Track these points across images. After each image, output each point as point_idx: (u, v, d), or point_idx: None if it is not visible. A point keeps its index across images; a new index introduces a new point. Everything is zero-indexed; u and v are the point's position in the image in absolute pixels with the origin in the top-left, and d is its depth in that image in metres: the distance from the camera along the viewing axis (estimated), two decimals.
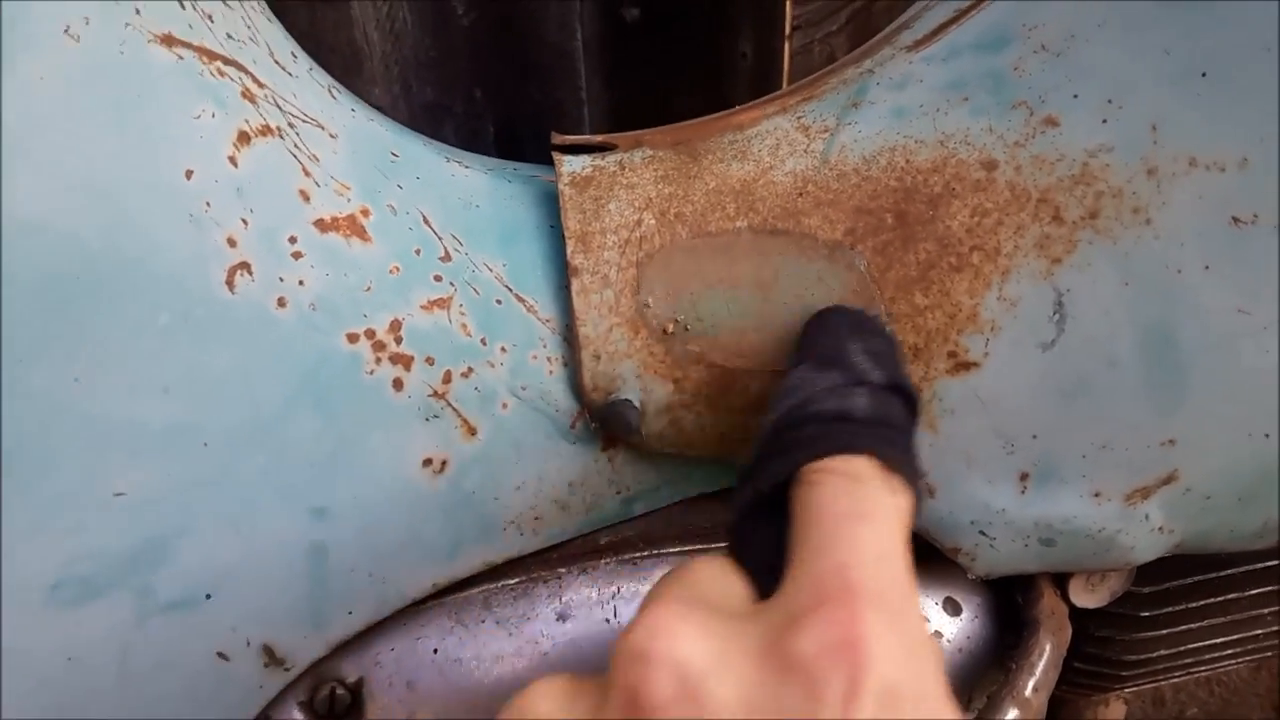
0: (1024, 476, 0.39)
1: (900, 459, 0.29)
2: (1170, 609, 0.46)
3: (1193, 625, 0.47)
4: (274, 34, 0.38)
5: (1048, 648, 0.40)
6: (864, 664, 0.22)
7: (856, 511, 0.27)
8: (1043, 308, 0.37)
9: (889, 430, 0.30)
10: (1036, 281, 0.37)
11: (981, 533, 0.40)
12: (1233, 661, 0.51)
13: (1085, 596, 0.43)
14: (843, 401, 0.30)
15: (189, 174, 0.32)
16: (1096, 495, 0.39)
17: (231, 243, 0.33)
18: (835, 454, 0.28)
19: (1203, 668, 0.51)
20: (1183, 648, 0.48)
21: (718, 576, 0.28)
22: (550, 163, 0.41)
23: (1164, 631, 0.46)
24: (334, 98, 0.39)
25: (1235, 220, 0.36)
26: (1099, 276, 0.36)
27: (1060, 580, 0.43)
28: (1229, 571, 0.46)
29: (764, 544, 0.29)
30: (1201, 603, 0.46)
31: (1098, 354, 0.37)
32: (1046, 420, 0.38)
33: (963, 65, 0.39)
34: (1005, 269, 0.37)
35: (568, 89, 0.89)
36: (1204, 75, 0.36)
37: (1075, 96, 0.37)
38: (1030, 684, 0.40)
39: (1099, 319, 0.36)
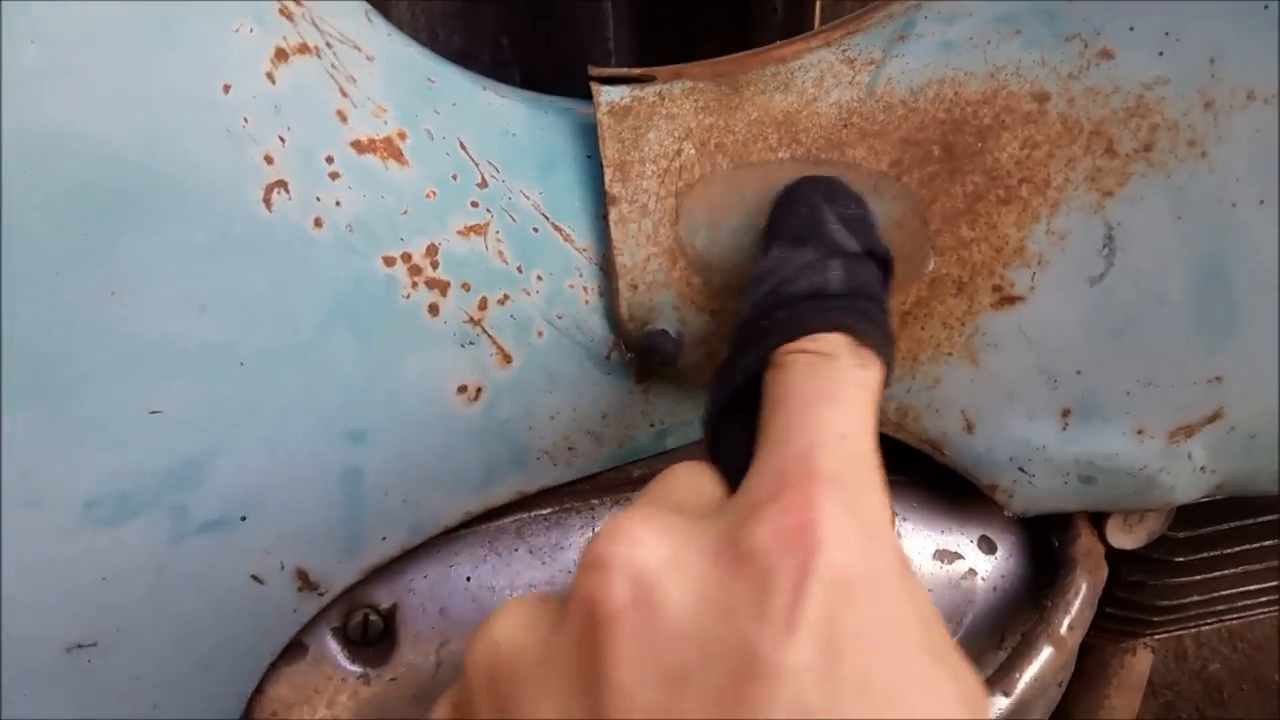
0: (1066, 413, 0.38)
1: (872, 331, 0.28)
2: (1204, 554, 0.46)
3: (1227, 571, 0.46)
4: None
5: (1084, 587, 0.40)
6: (815, 550, 0.22)
7: (823, 391, 0.26)
8: (1092, 241, 0.36)
9: (863, 301, 0.29)
10: (1086, 215, 0.36)
11: (1020, 469, 0.39)
12: (1264, 610, 0.50)
13: (1123, 537, 0.43)
14: (816, 277, 0.30)
15: (227, 88, 0.32)
16: (1139, 432, 0.38)
17: (269, 160, 0.33)
18: (806, 334, 0.28)
19: (1234, 615, 0.50)
20: (1215, 594, 0.47)
21: (693, 479, 0.28)
22: (571, 99, 0.40)
23: (1197, 577, 0.46)
24: (370, 21, 0.39)
25: None
26: (1151, 210, 0.36)
27: (1097, 520, 0.43)
28: (1266, 518, 0.45)
29: (738, 439, 0.28)
30: (1236, 549, 0.46)
31: (1147, 289, 0.36)
32: (1091, 356, 0.37)
33: None
34: (1055, 202, 0.36)
35: (595, 39, 0.88)
36: (1266, 7, 0.35)
37: (1131, 29, 0.36)
38: (1065, 622, 0.39)
39: (1149, 253, 0.36)
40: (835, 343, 0.28)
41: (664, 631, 0.22)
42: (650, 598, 0.22)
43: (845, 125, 0.37)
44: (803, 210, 0.32)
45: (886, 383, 0.28)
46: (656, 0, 0.86)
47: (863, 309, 0.29)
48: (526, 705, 0.23)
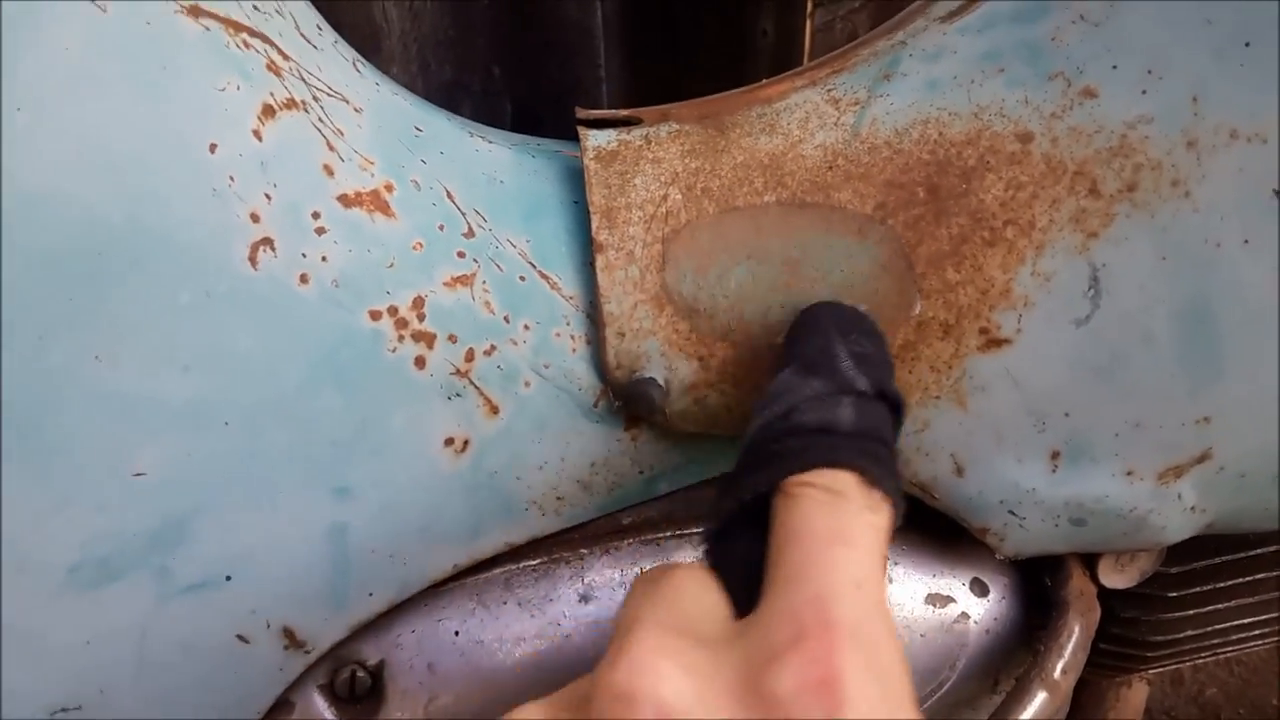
0: (1055, 455, 0.38)
1: (882, 474, 0.28)
2: (1198, 589, 0.45)
3: (1220, 605, 0.46)
4: (299, 7, 0.38)
5: (1076, 629, 0.40)
6: (840, 704, 0.22)
7: (836, 533, 0.27)
8: (1078, 283, 0.36)
9: (873, 443, 0.30)
10: (1071, 256, 0.36)
11: (1011, 512, 0.39)
12: (1260, 641, 0.50)
13: (1115, 577, 0.43)
14: (827, 413, 0.30)
15: (213, 147, 0.32)
16: (1129, 474, 0.38)
17: (255, 218, 0.33)
18: (817, 468, 0.28)
19: (1229, 648, 0.50)
20: (1210, 628, 0.47)
21: (697, 593, 0.28)
22: (571, 139, 0.40)
23: (1191, 612, 0.46)
24: (359, 71, 0.39)
25: (1277, 193, 0.35)
26: (1136, 251, 0.36)
27: (1089, 561, 0.43)
28: (1257, 551, 0.45)
29: (744, 557, 0.29)
30: (1229, 583, 0.46)
31: (1133, 330, 0.36)
32: (1079, 398, 0.37)
33: (999, 36, 0.38)
34: (1040, 243, 0.36)
35: (587, 67, 0.88)
36: (1247, 45, 0.35)
37: (1114, 67, 0.36)
38: (1059, 666, 0.39)
39: (1135, 294, 0.36)
40: (846, 482, 0.28)
41: None
42: None
43: (830, 168, 0.37)
44: (818, 341, 0.33)
45: (894, 527, 0.29)
46: (647, 27, 0.87)
47: (873, 451, 0.29)
48: None
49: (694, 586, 0.28)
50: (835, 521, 0.27)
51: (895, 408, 0.32)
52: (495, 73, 0.88)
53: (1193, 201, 0.35)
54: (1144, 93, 0.36)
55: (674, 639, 0.25)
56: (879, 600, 0.26)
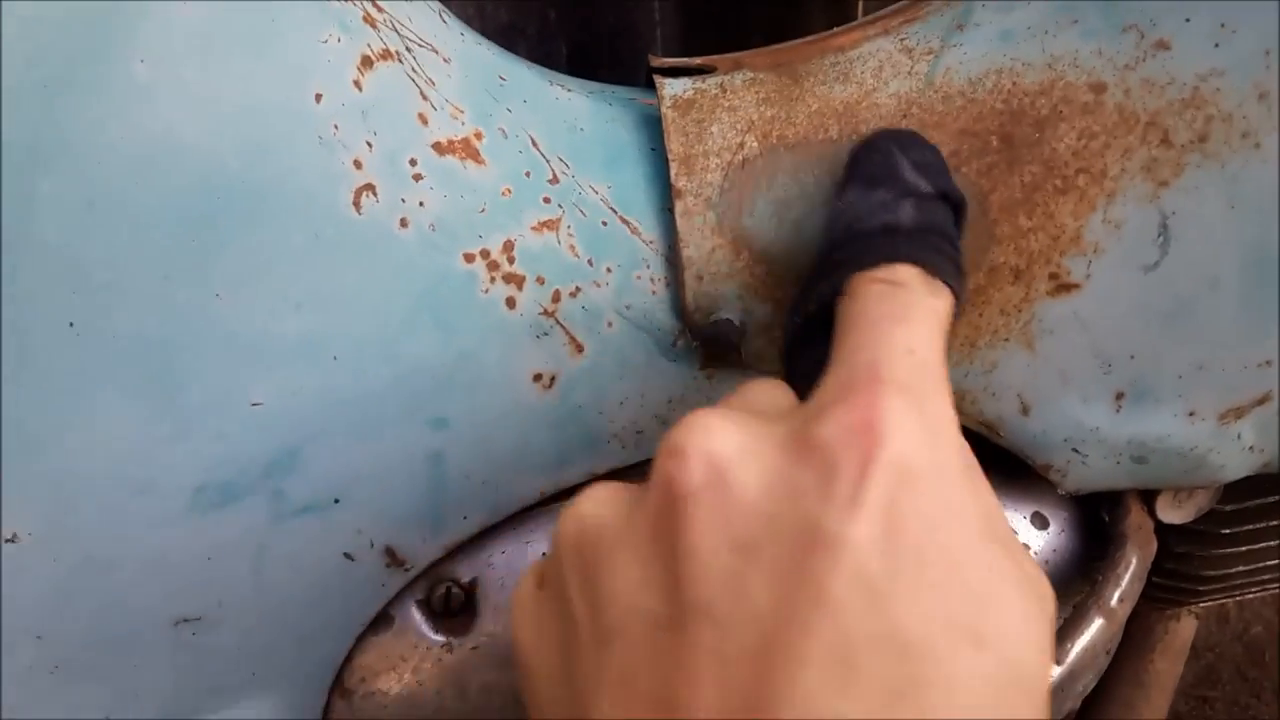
0: (1119, 395, 0.39)
1: (943, 264, 0.29)
2: (1251, 526, 0.47)
3: (1272, 542, 0.48)
4: None
5: (1134, 561, 0.41)
6: (879, 442, 0.23)
7: (894, 314, 0.27)
8: (1147, 230, 0.37)
9: (934, 237, 0.31)
10: (1142, 204, 0.37)
11: (1074, 450, 0.40)
12: None
13: (1172, 512, 0.44)
14: (889, 215, 0.31)
15: (318, 98, 0.34)
16: (1191, 414, 0.39)
17: (358, 165, 0.35)
18: (879, 265, 0.29)
19: (1277, 583, 0.51)
20: (1260, 564, 0.49)
21: (768, 391, 0.29)
22: (628, 82, 0.41)
23: (1244, 548, 0.47)
24: (444, 22, 0.40)
25: None
26: (1205, 200, 0.36)
27: (1147, 497, 0.44)
28: None
29: (812, 362, 0.29)
30: None
31: (1200, 276, 0.37)
32: (1145, 341, 0.38)
33: None
34: (1111, 191, 0.37)
35: (641, 10, 0.88)
36: None
37: (1187, 20, 0.36)
38: (1116, 595, 0.41)
39: (1203, 241, 0.37)
40: (907, 274, 0.29)
41: (736, 508, 0.23)
42: (723, 479, 0.24)
43: (905, 116, 0.38)
44: (877, 157, 0.34)
45: (956, 314, 0.30)
46: None
47: (934, 244, 0.30)
48: (610, 570, 0.25)
49: (765, 387, 0.29)
50: (894, 306, 0.28)
51: (957, 207, 0.33)
52: (550, 16, 0.88)
53: (1263, 153, 0.36)
54: (1217, 46, 0.36)
55: (734, 411, 0.26)
56: (933, 365, 0.26)
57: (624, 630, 0.24)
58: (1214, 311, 0.37)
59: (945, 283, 0.29)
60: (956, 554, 0.22)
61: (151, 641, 0.38)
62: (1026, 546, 0.44)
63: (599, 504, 0.27)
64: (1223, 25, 0.36)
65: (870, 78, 0.39)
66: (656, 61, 0.42)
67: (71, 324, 0.32)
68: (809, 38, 0.44)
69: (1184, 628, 0.63)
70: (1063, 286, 0.38)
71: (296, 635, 0.40)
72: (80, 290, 0.32)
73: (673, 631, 0.23)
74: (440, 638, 0.42)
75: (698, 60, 0.42)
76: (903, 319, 0.27)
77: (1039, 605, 0.23)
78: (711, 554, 0.23)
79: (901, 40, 0.40)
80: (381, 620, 0.41)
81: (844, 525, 0.22)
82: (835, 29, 0.44)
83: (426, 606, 0.42)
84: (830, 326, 0.29)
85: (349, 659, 0.42)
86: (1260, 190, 0.36)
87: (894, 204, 0.31)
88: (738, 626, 0.22)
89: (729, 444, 0.24)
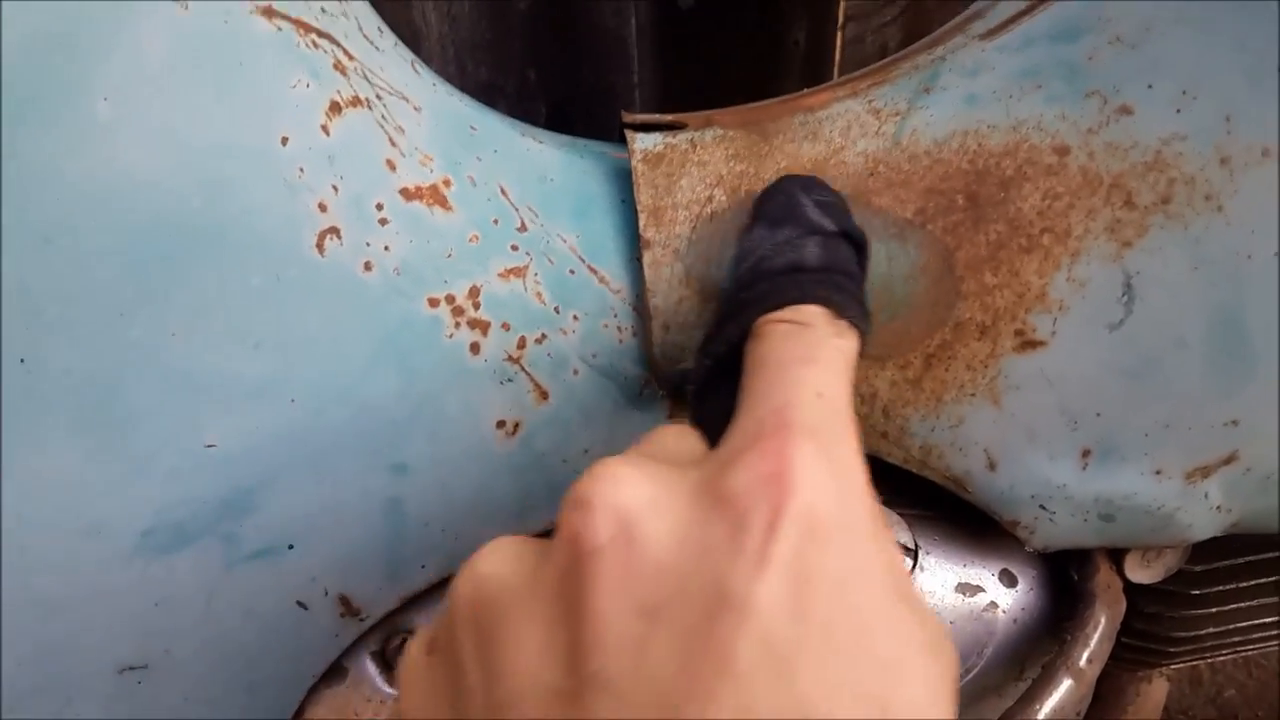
0: (1086, 453, 0.39)
1: (848, 303, 0.29)
2: (1220, 587, 0.47)
3: (1242, 604, 0.47)
4: (362, 10, 0.40)
5: (1102, 620, 0.41)
6: (788, 494, 0.22)
7: (801, 355, 0.27)
8: (1112, 289, 0.37)
9: (839, 276, 0.31)
10: (1106, 264, 0.37)
11: (1041, 507, 0.40)
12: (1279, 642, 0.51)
13: (1140, 572, 0.44)
14: (794, 254, 0.31)
15: (285, 140, 0.34)
16: (1157, 473, 0.39)
17: (322, 208, 0.34)
18: (785, 306, 0.29)
19: (1249, 646, 0.51)
20: (1231, 626, 0.48)
21: (676, 436, 0.28)
22: (606, 140, 0.41)
23: (1213, 609, 0.47)
24: (417, 72, 0.40)
25: None
26: (1169, 260, 0.37)
27: (1115, 555, 0.44)
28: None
29: (720, 406, 0.29)
30: (1251, 582, 0.47)
31: (1165, 335, 0.37)
32: (1111, 398, 0.38)
33: (1036, 54, 0.39)
34: (1075, 251, 0.37)
35: (620, 73, 0.90)
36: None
37: (1150, 87, 0.37)
38: (1085, 655, 0.40)
39: (1167, 301, 0.37)
40: (813, 314, 0.29)
41: (643, 566, 0.22)
42: (630, 535, 0.23)
43: (871, 174, 0.39)
44: (781, 198, 0.34)
45: (860, 353, 0.30)
46: (680, 33, 0.88)
47: (838, 283, 0.31)
48: (509, 634, 0.23)
49: (674, 433, 0.29)
50: (800, 347, 0.28)
51: (860, 247, 0.33)
52: (530, 76, 0.89)
53: (1225, 215, 0.37)
54: (1178, 111, 0.37)
55: (642, 459, 0.25)
56: (840, 409, 0.26)
57: (519, 703, 0.22)
58: (1179, 370, 0.38)
59: (851, 322, 0.29)
60: (865, 617, 0.22)
61: (94, 690, 0.37)
62: (995, 605, 0.43)
63: (499, 561, 0.26)
64: (1184, 92, 0.37)
65: (838, 136, 0.40)
66: (629, 117, 0.42)
67: (22, 360, 0.32)
68: (779, 98, 0.44)
69: (1156, 690, 0.63)
70: (1029, 343, 0.38)
71: (246, 686, 0.39)
72: (32, 325, 0.31)
73: (572, 703, 0.22)
74: (395, 691, 0.41)
75: (669, 116, 0.43)
76: (810, 360, 0.27)
77: (944, 669, 0.23)
78: (616, 617, 0.22)
79: (869, 102, 0.41)
80: (335, 672, 0.40)
81: (751, 584, 0.21)
82: (805, 90, 0.44)
83: (381, 658, 0.41)
84: (738, 369, 0.29)
85: (300, 712, 0.40)
86: (1223, 251, 0.37)
87: (799, 242, 0.32)
88: (639, 698, 0.21)
89: (638, 496, 0.24)
